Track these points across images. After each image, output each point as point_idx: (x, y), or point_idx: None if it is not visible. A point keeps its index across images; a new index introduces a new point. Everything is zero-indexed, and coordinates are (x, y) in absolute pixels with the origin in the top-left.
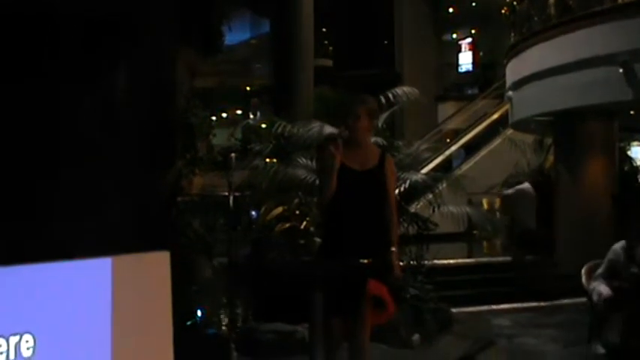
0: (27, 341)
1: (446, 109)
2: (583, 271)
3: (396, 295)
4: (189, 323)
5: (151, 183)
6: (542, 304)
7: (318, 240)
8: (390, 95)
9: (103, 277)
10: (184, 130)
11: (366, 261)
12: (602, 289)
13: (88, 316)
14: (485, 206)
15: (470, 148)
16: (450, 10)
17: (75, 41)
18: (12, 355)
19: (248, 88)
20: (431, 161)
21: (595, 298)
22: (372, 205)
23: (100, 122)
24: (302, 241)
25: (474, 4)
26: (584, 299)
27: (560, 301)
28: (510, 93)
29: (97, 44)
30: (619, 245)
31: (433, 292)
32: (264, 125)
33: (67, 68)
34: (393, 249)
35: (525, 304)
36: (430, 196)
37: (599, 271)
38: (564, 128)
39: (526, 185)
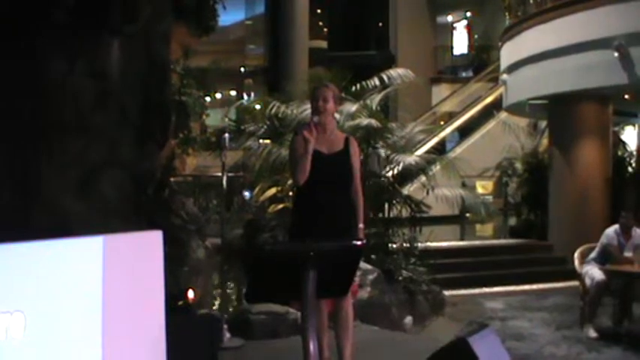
0: (18, 320)
1: (440, 91)
2: (576, 254)
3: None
4: (180, 303)
5: (143, 162)
6: (535, 287)
7: None
8: (385, 77)
9: (95, 256)
10: (178, 109)
11: (359, 243)
12: (595, 273)
13: (80, 295)
14: (479, 189)
15: (464, 131)
16: None
17: (68, 16)
18: (2, 334)
19: (242, 69)
20: (425, 143)
21: (588, 282)
22: (340, 187)
23: (91, 99)
24: None
25: None
26: (576, 283)
27: (552, 285)
28: (505, 76)
29: (91, 19)
30: (612, 229)
31: (426, 274)
32: (257, 106)
33: (59, 43)
34: (361, 225)
35: (518, 287)
36: (424, 178)
37: (592, 255)
38: (558, 112)
39: None
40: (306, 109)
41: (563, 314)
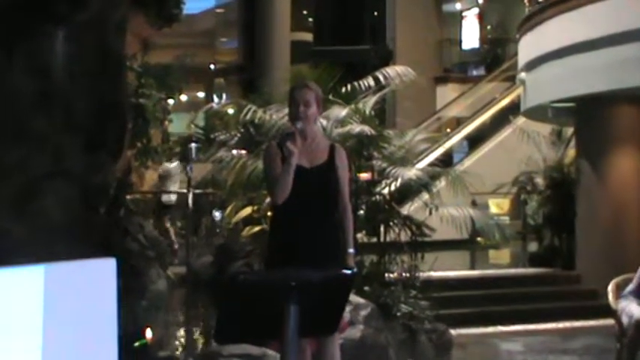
0: None
1: (446, 93)
2: (610, 287)
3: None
4: (137, 345)
5: (94, 175)
6: (561, 325)
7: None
8: (381, 76)
9: (35, 289)
10: (135, 113)
11: (349, 271)
12: (634, 309)
13: (16, 336)
14: (493, 208)
15: (474, 140)
16: None
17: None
18: None
19: (212, 66)
20: (428, 155)
21: (624, 320)
22: (326, 205)
23: (31, 100)
24: None
25: None
26: (611, 321)
27: (582, 323)
28: (523, 75)
29: (31, 5)
30: None
31: (429, 309)
32: (230, 110)
33: None
34: (350, 250)
35: (540, 326)
36: (426, 195)
37: (630, 287)
38: (588, 116)
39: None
40: (287, 114)
41: (595, 358)
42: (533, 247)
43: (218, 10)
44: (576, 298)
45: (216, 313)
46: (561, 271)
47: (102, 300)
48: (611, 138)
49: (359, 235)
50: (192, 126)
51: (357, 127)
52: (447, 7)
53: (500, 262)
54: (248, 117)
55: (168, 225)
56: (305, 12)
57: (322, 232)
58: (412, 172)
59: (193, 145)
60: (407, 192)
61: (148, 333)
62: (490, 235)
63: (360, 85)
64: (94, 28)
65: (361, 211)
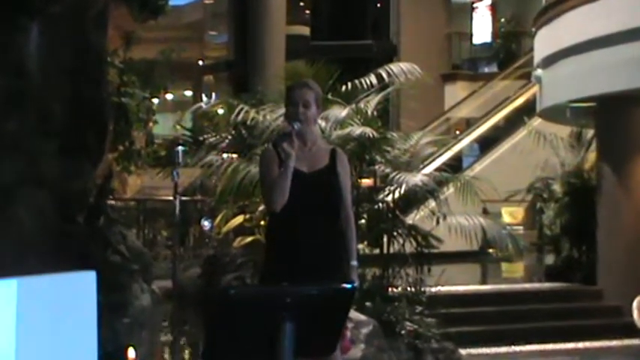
0: None
1: (455, 91)
2: (635, 304)
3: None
4: None
5: (71, 182)
6: (581, 345)
7: None
8: (384, 73)
9: (7, 304)
10: (117, 113)
11: (349, 286)
12: None
13: None
14: (506, 217)
15: (486, 143)
16: None
17: None
18: None
19: (200, 62)
20: (435, 159)
21: None
22: (326, 214)
23: (2, 100)
24: None
25: None
26: (636, 341)
27: (604, 343)
28: (539, 72)
29: None
30: None
31: (436, 327)
32: (220, 110)
33: None
34: (354, 263)
35: (558, 346)
36: (433, 203)
37: None
38: (610, 117)
39: None
40: (282, 114)
41: None
42: (550, 259)
43: (207, 2)
44: (598, 315)
45: (204, 331)
46: (581, 286)
47: (80, 316)
48: (635, 141)
49: (360, 246)
50: (179, 127)
51: (358, 129)
52: None
53: (514, 276)
54: (239, 118)
55: None
56: (302, 4)
57: (323, 243)
58: (418, 178)
59: (180, 148)
60: (412, 199)
61: (131, 352)
62: (503, 247)
63: (361, 83)
64: (72, 21)
65: (362, 220)
